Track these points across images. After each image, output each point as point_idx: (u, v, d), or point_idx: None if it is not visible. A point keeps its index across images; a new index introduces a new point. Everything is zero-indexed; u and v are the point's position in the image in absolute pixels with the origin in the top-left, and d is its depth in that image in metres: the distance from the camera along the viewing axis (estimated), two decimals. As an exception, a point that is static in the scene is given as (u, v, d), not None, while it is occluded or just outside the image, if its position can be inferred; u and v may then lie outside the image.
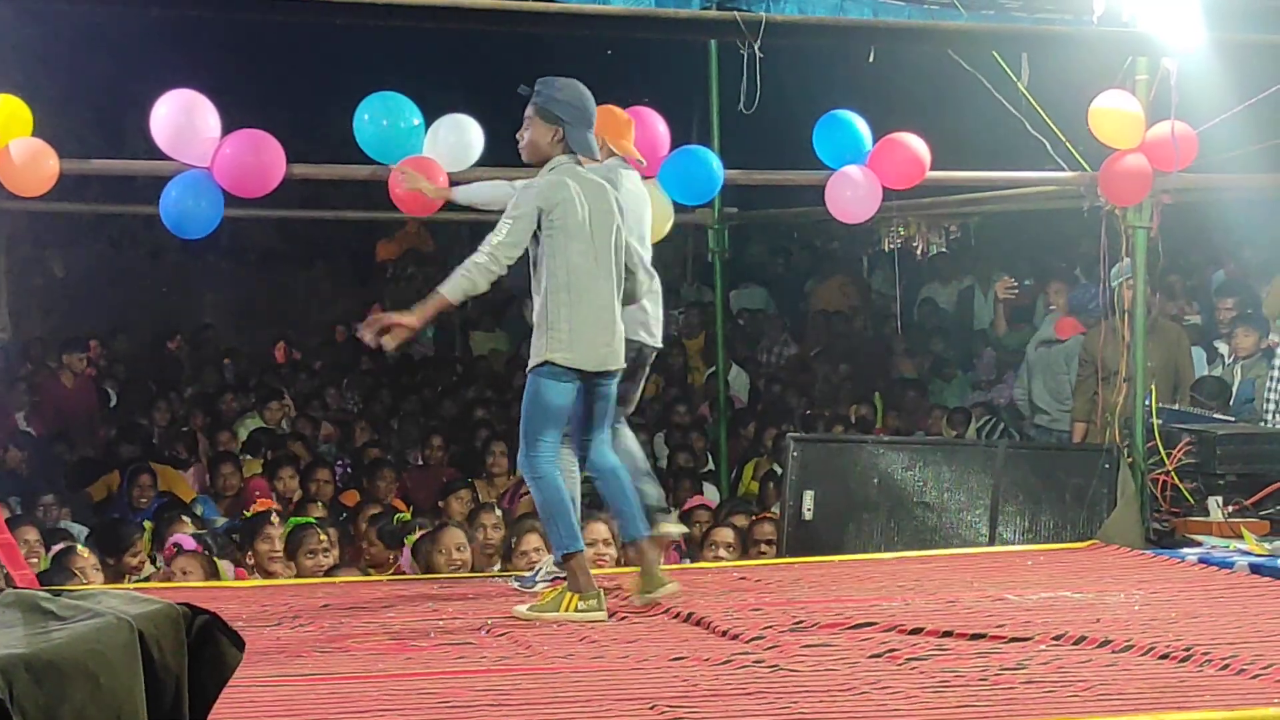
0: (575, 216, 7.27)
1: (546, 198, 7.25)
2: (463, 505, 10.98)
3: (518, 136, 7.52)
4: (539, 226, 7.26)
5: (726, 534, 9.77)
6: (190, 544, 9.18)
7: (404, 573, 9.26)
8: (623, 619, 7.24)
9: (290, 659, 6.40)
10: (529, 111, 7.44)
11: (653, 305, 8.08)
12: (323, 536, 9.17)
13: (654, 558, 7.60)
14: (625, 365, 7.63)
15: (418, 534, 9.38)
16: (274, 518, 9.53)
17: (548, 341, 7.26)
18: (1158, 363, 10.59)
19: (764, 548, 9.87)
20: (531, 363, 7.33)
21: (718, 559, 9.48)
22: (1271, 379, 10.95)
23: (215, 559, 9.07)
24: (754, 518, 10.35)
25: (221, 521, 10.88)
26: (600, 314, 7.34)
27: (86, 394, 14.71)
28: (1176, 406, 10.59)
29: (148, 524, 10.01)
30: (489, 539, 9.70)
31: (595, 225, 7.34)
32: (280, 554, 9.18)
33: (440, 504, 11.15)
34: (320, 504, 11.05)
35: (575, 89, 7.45)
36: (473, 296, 7.41)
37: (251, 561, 9.22)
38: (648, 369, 8.31)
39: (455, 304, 7.38)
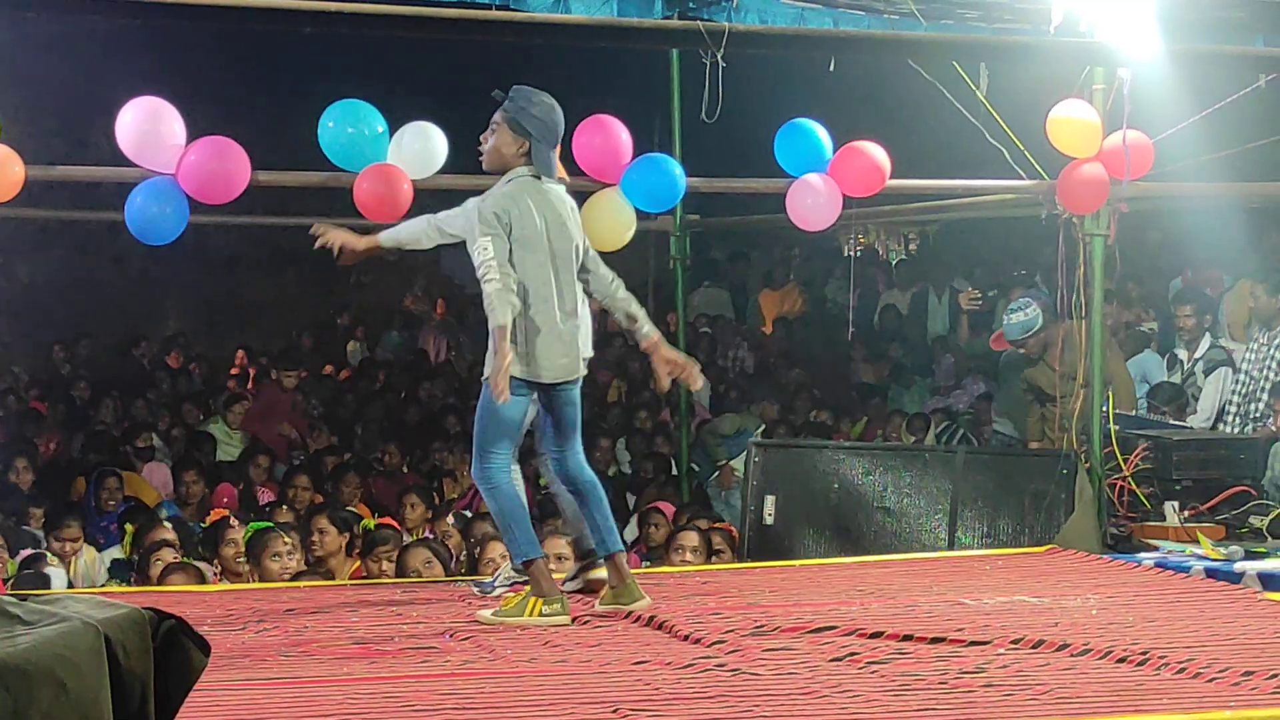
0: (532, 229, 7.26)
1: (504, 209, 7.23)
2: (417, 514, 11.00)
3: (481, 139, 7.49)
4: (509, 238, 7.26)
5: (692, 537, 9.79)
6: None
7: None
8: (586, 623, 7.26)
9: (255, 663, 6.41)
10: (497, 118, 7.40)
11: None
12: (286, 540, 9.19)
13: (628, 571, 7.60)
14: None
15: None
16: (232, 521, 9.56)
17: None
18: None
19: (712, 559, 9.79)
20: (486, 372, 7.25)
21: (684, 562, 9.51)
22: (1237, 383, 11.04)
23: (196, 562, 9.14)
24: (705, 526, 10.36)
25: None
26: (556, 326, 7.32)
27: (289, 407, 14.80)
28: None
29: (129, 526, 10.02)
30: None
31: (553, 237, 7.34)
32: (244, 557, 9.20)
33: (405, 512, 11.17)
34: (293, 509, 11.09)
35: (549, 106, 7.41)
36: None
37: (218, 568, 9.24)
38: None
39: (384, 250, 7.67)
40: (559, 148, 7.51)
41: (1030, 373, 11.24)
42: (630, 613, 7.36)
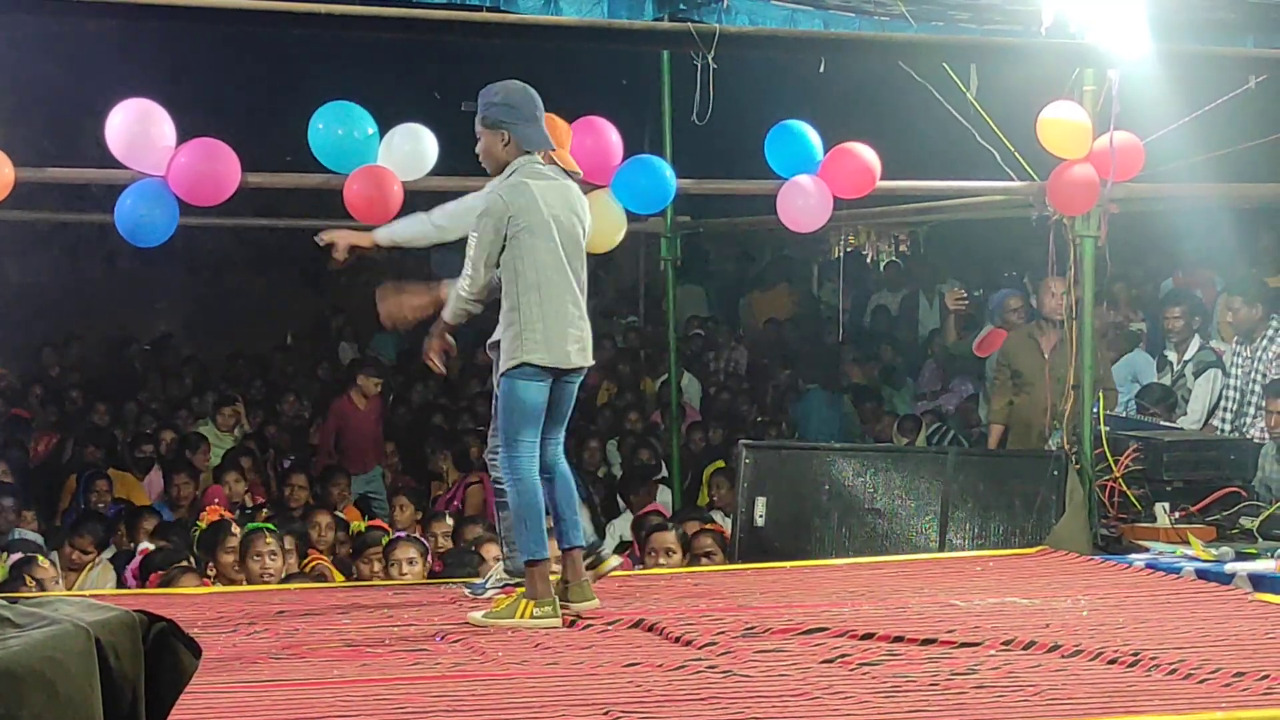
0: (539, 216, 7.28)
1: (508, 203, 7.25)
2: (407, 515, 10.99)
3: (477, 152, 7.53)
4: (505, 235, 7.27)
5: (667, 538, 9.69)
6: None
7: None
8: (577, 625, 7.26)
9: (246, 665, 6.41)
10: (477, 127, 7.47)
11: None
12: (269, 540, 9.16)
13: (583, 570, 7.59)
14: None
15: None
16: (234, 527, 9.53)
17: (522, 343, 7.26)
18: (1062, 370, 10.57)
19: (703, 560, 9.70)
20: (505, 365, 7.30)
21: (658, 565, 9.47)
22: (1230, 386, 11.05)
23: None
24: (697, 529, 10.32)
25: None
26: (568, 311, 7.35)
27: (377, 416, 14.25)
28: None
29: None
30: (439, 547, 9.70)
31: (560, 224, 7.35)
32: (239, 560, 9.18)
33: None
34: (293, 509, 11.10)
35: (511, 88, 7.45)
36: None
37: (213, 572, 9.22)
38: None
39: (456, 325, 7.54)
40: (542, 119, 7.49)
41: (1012, 350, 11.21)
42: (578, 614, 7.35)
